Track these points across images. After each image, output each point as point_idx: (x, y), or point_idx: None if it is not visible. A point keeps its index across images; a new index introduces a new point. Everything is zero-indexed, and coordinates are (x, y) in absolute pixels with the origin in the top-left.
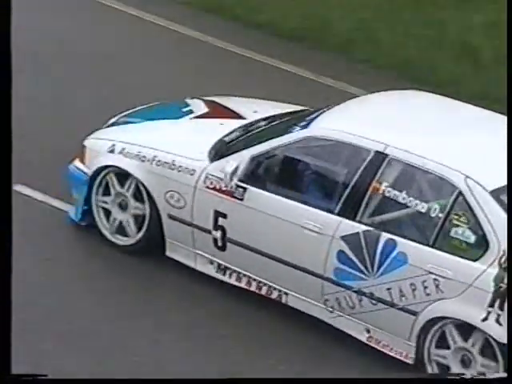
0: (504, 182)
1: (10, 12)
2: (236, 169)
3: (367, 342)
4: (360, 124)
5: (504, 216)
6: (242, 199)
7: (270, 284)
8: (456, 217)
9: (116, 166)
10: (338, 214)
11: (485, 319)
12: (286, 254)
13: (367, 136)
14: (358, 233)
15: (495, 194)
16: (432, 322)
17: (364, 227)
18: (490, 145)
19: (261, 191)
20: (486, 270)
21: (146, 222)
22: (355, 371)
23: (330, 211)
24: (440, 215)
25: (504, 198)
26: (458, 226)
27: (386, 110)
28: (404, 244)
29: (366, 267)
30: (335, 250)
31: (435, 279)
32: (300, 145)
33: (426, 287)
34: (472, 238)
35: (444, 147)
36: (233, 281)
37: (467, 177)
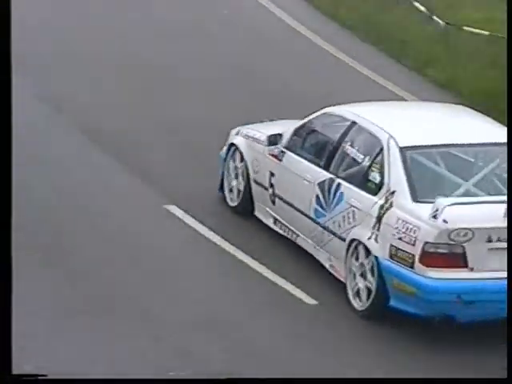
0: (419, 142)
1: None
2: (278, 135)
3: (330, 270)
4: (364, 109)
5: (400, 164)
6: (281, 160)
7: (294, 230)
8: (374, 164)
9: (233, 143)
10: (322, 167)
11: (369, 238)
12: (299, 203)
13: (355, 112)
14: (325, 180)
15: (404, 149)
16: (349, 243)
17: (329, 175)
18: (434, 122)
19: (291, 154)
20: (377, 202)
21: (242, 190)
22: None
23: (319, 166)
24: (367, 164)
25: (410, 153)
26: (373, 171)
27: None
28: (344, 186)
29: (326, 205)
30: (315, 194)
31: (353, 211)
32: (318, 120)
33: (349, 218)
34: (377, 180)
35: (394, 120)
36: (281, 231)
37: (391, 136)
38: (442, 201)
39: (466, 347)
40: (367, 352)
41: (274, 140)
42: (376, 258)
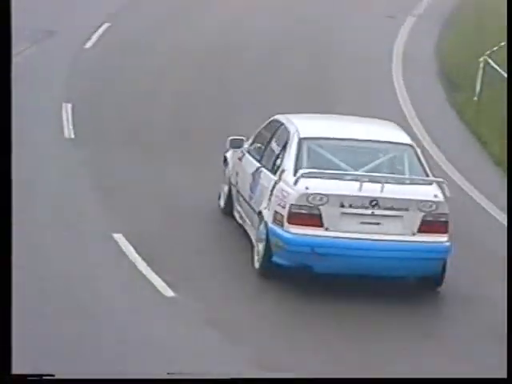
0: (316, 135)
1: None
2: (240, 139)
3: (255, 245)
4: (300, 117)
5: (295, 150)
6: (241, 161)
7: (244, 217)
8: (282, 152)
9: (225, 155)
10: (257, 161)
11: (265, 208)
12: (244, 192)
13: (289, 117)
14: (255, 169)
15: (302, 139)
16: (258, 215)
17: (258, 165)
18: (344, 125)
19: (247, 154)
20: (273, 179)
21: (226, 193)
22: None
23: (257, 160)
24: (279, 152)
25: (306, 142)
26: (280, 157)
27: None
28: (263, 172)
29: (254, 189)
30: (248, 182)
31: (262, 189)
32: (268, 125)
33: (261, 195)
34: (279, 163)
35: (310, 122)
36: (241, 222)
37: (296, 130)
38: (302, 170)
39: None
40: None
41: (235, 143)
42: (266, 222)
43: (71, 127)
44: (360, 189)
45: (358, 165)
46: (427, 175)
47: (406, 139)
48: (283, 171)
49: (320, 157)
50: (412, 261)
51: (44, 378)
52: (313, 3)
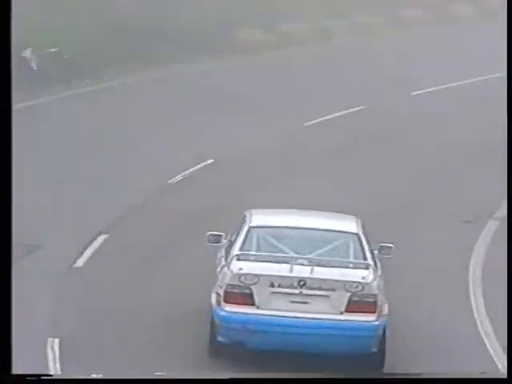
0: (263, 224)
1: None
2: (218, 235)
3: None
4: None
5: (243, 236)
6: None
7: None
8: (236, 240)
9: None
10: (224, 252)
11: (212, 292)
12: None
13: (252, 212)
14: (219, 259)
15: (251, 227)
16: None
17: (223, 254)
18: (298, 217)
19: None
20: (223, 264)
21: None
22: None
23: (225, 251)
24: (234, 241)
25: (254, 229)
26: (234, 245)
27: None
28: (221, 260)
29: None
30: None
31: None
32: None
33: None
34: (232, 251)
35: (266, 215)
36: None
37: (250, 221)
38: (235, 252)
39: None
40: None
41: (213, 239)
42: (211, 304)
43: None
44: (291, 270)
45: (303, 251)
46: (365, 260)
47: (353, 228)
48: (232, 257)
49: (267, 244)
50: (339, 338)
51: (42, 377)
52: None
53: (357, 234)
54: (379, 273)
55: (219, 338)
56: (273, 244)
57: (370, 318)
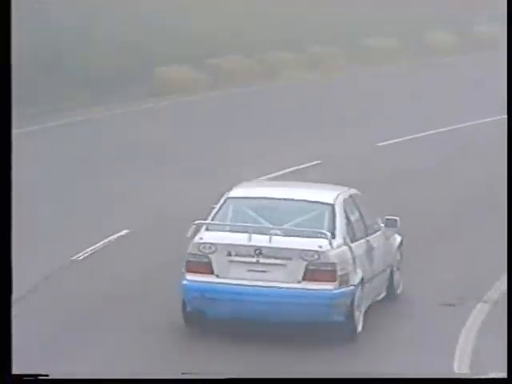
0: (240, 195)
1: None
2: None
3: None
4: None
5: (218, 207)
6: None
7: None
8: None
9: None
10: None
11: None
12: None
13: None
14: None
15: (228, 198)
16: None
17: None
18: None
19: None
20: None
21: None
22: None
23: None
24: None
25: (230, 200)
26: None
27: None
28: None
29: None
30: None
31: None
32: None
33: None
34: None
35: (249, 186)
36: None
37: (229, 191)
38: (197, 222)
39: None
40: None
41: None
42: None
43: None
44: (249, 239)
45: (278, 221)
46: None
47: (329, 199)
48: (202, 227)
49: (242, 214)
50: (298, 306)
51: (39, 378)
52: None
53: (332, 205)
54: (346, 242)
55: (187, 307)
56: (249, 214)
57: (328, 286)
